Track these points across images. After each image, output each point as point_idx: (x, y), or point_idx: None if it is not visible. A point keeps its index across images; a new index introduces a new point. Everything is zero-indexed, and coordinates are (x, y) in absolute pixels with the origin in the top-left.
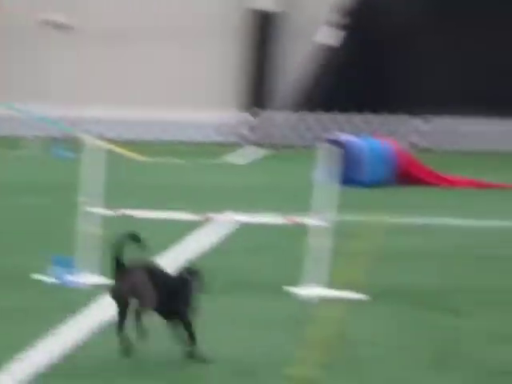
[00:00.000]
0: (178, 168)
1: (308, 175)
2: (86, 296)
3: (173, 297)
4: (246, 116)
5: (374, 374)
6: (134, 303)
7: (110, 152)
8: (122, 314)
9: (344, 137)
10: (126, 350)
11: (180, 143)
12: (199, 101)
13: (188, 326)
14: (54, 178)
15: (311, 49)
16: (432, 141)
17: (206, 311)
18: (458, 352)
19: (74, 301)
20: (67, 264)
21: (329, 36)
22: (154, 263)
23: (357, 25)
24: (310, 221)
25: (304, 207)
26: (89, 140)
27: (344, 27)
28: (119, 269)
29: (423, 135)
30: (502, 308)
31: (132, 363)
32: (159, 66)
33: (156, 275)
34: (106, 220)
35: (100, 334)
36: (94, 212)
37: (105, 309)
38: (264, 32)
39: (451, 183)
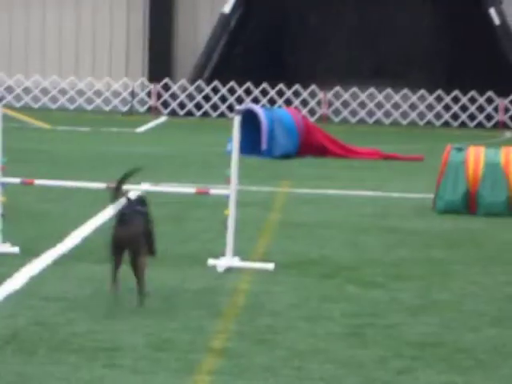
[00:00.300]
0: (83, 136)
1: (214, 145)
2: None
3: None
4: (152, 84)
5: (288, 344)
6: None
7: (16, 120)
8: (118, 261)
9: (248, 106)
10: (115, 297)
11: (83, 111)
12: (102, 69)
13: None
14: None
15: (217, 20)
16: (335, 111)
17: (122, 280)
18: (374, 324)
19: None
20: None
21: (230, 5)
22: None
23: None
24: (216, 191)
25: (210, 177)
26: None
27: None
28: (121, 217)
29: (324, 105)
30: (413, 280)
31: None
32: (63, 32)
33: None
34: (10, 189)
35: (14, 303)
36: (8, 181)
37: (15, 278)
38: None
39: (357, 154)
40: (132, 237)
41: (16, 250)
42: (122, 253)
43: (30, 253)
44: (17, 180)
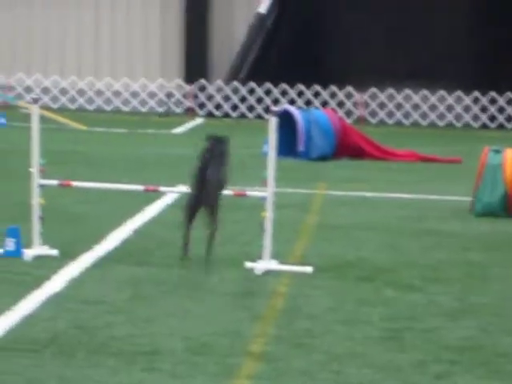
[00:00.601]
0: (119, 138)
1: (250, 146)
2: (37, 268)
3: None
4: (188, 85)
5: (326, 348)
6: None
7: (52, 121)
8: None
9: (284, 107)
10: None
11: (120, 113)
12: (139, 70)
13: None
14: None
15: (249, 19)
16: (371, 113)
17: (157, 284)
18: (412, 328)
19: (25, 273)
20: (17, 235)
21: (266, 6)
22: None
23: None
24: (253, 193)
25: (246, 179)
26: (31, 108)
27: (279, 1)
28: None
29: (361, 106)
30: (451, 283)
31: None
32: (99, 33)
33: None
34: (47, 190)
35: (53, 305)
36: (46, 183)
37: (55, 281)
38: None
39: (394, 156)
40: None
41: (55, 252)
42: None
43: (68, 255)
44: (54, 182)
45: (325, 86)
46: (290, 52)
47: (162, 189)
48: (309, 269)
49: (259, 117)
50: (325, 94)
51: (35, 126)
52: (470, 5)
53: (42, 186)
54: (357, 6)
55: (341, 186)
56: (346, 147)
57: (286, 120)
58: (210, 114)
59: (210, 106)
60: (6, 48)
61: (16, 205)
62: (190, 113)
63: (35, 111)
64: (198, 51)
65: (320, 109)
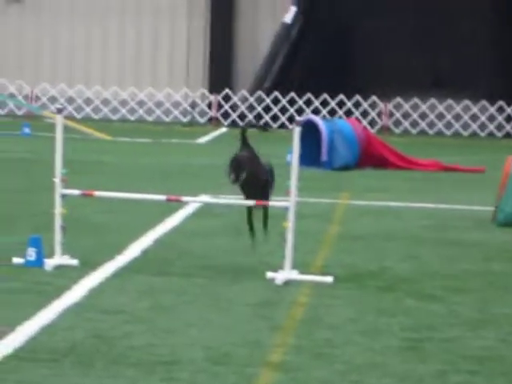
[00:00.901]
0: (143, 148)
1: (274, 156)
2: (59, 278)
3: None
4: (212, 95)
5: (346, 358)
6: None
7: (77, 131)
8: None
9: (308, 117)
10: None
11: (144, 122)
12: (163, 79)
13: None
14: (14, 154)
15: (277, 28)
16: (395, 122)
17: (176, 294)
18: (432, 338)
19: (48, 283)
20: (40, 246)
21: (291, 16)
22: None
23: (314, 5)
24: (275, 203)
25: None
26: (55, 118)
27: (302, 7)
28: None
29: (385, 116)
30: (472, 294)
31: None
32: (123, 42)
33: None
34: (69, 200)
35: (75, 315)
36: (68, 193)
37: (77, 291)
38: (229, 9)
39: (417, 165)
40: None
41: (75, 262)
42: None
43: (88, 265)
44: (76, 191)
45: (349, 95)
46: (314, 61)
47: (184, 199)
48: (330, 279)
49: (283, 126)
50: (349, 104)
51: (59, 135)
52: (495, 13)
53: (64, 196)
54: (382, 15)
55: (364, 196)
56: (370, 157)
57: (310, 130)
58: (234, 124)
59: (234, 116)
60: (30, 58)
61: (39, 214)
62: (214, 122)
63: (59, 121)
64: (222, 61)
65: (344, 118)
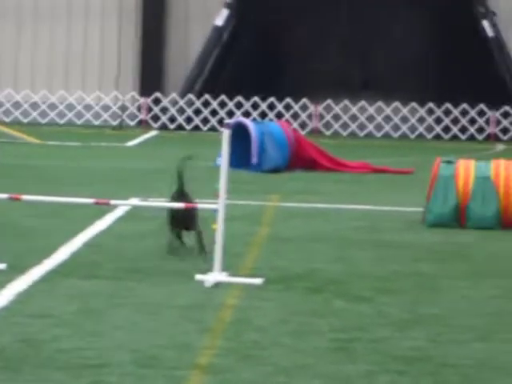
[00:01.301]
0: (72, 151)
1: (204, 159)
2: None
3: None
4: (142, 98)
5: (274, 360)
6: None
7: (5, 135)
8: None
9: (238, 120)
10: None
11: (73, 126)
12: (91, 82)
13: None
14: None
15: (205, 31)
16: (325, 124)
17: (105, 297)
18: (360, 338)
19: None
20: None
21: (223, 18)
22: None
23: (246, 8)
24: (204, 205)
25: (198, 191)
26: None
27: (233, 10)
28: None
29: (316, 118)
30: (401, 295)
31: None
32: (53, 45)
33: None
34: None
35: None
36: None
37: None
38: (161, 11)
39: (347, 167)
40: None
41: (2, 266)
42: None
43: (17, 269)
44: (5, 196)
45: (280, 98)
46: (245, 64)
47: (113, 202)
48: (259, 281)
49: (213, 129)
50: (280, 106)
51: None
52: (425, 17)
53: None
54: (312, 18)
55: (293, 198)
56: (300, 159)
57: (241, 132)
58: (164, 127)
59: (164, 119)
60: None
61: None
62: (144, 125)
63: None
64: (153, 64)
65: (274, 121)
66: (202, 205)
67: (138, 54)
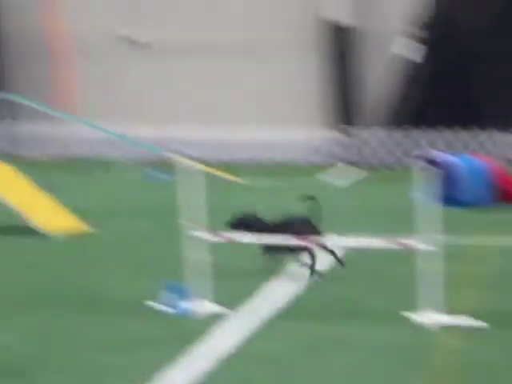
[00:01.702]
0: (278, 190)
1: (405, 196)
2: (203, 324)
3: None
4: (335, 134)
5: None
6: None
7: (206, 174)
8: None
9: (440, 155)
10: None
11: (268, 163)
12: (283, 119)
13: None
14: (152, 201)
15: (391, 62)
16: None
17: (323, 339)
18: None
19: (191, 330)
20: (180, 291)
21: (407, 48)
22: None
23: (436, 38)
24: (420, 244)
25: (406, 230)
26: (185, 162)
27: (423, 40)
28: None
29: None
30: None
31: None
32: (238, 82)
33: None
34: (210, 245)
35: (224, 363)
36: (200, 237)
37: (223, 338)
38: (342, 45)
39: None
40: None
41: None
42: None
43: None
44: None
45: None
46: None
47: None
48: (480, 323)
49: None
50: (482, 139)
51: (197, 181)
52: None
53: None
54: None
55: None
56: (508, 194)
57: (446, 167)
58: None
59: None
60: (155, 100)
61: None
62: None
63: (196, 166)
64: (349, 97)
65: (478, 155)
66: (419, 244)
67: (326, 89)
